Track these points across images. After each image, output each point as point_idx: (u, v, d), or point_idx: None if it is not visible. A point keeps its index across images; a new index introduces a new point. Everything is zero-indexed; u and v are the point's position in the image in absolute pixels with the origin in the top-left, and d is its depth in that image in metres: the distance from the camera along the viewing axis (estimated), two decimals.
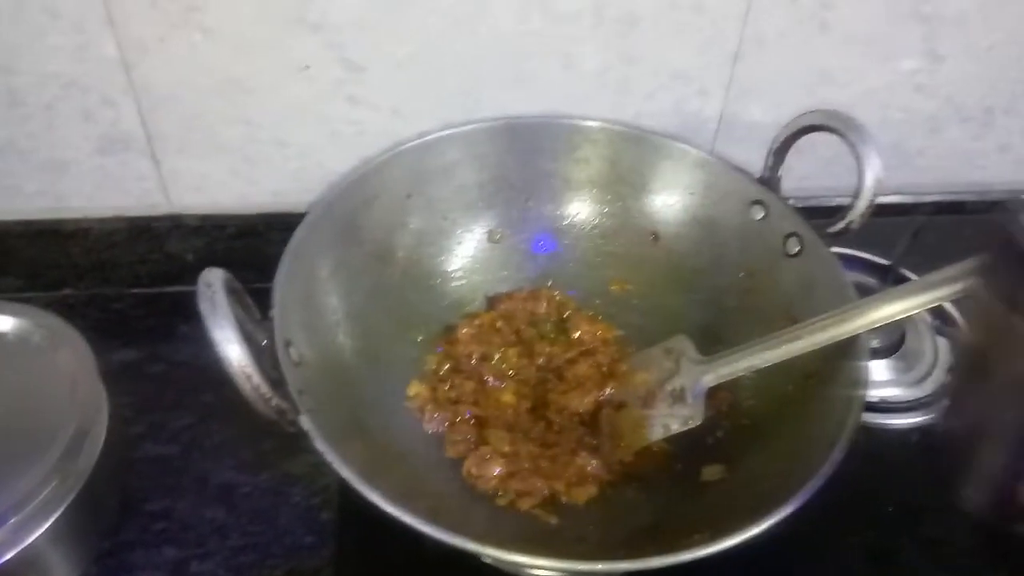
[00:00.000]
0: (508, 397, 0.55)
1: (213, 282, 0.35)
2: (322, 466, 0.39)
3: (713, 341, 0.54)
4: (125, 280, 0.69)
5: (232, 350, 0.34)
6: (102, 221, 0.67)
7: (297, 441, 0.40)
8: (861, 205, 0.48)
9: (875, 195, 0.47)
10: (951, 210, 0.75)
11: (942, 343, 0.62)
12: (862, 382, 0.45)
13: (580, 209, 0.62)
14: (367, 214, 0.54)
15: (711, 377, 0.51)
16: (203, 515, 0.54)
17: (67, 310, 0.60)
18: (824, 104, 0.53)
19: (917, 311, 0.45)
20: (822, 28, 0.62)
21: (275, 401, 0.36)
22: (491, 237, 0.62)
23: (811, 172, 0.70)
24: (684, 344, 0.54)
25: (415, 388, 0.56)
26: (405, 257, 0.58)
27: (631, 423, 0.53)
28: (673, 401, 0.52)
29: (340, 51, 0.59)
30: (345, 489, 0.51)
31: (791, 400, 0.48)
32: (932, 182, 0.75)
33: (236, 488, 0.55)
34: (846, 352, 0.46)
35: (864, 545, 0.52)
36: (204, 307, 0.34)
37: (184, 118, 0.62)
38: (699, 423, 0.50)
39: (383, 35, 0.59)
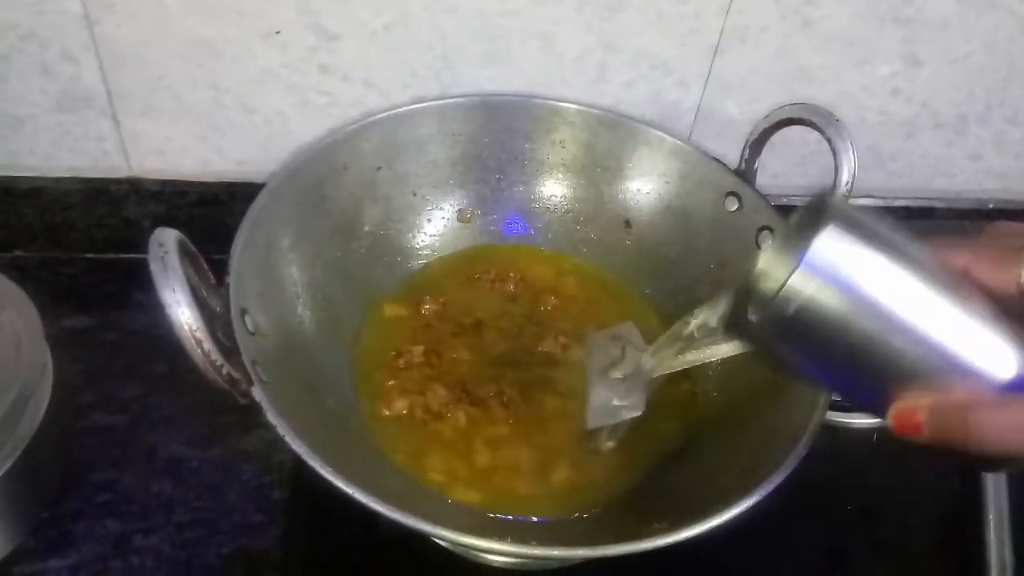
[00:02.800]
0: (463, 353, 0.54)
1: (165, 241, 0.33)
2: (276, 443, 0.38)
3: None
4: (80, 244, 0.67)
5: (182, 313, 0.32)
6: (57, 181, 0.65)
7: (251, 417, 0.39)
8: None
9: (850, 192, 0.47)
10: (921, 215, 0.76)
11: None
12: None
13: (553, 192, 0.61)
14: (334, 185, 0.53)
15: (654, 367, 0.48)
16: (149, 488, 0.52)
17: (17, 272, 0.57)
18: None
19: None
20: (804, 25, 0.62)
21: (226, 370, 0.35)
22: (461, 216, 0.61)
23: (784, 169, 0.70)
24: (631, 331, 0.52)
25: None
26: (371, 231, 0.56)
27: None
28: (616, 389, 0.49)
29: (314, 17, 0.58)
30: (298, 468, 0.51)
31: (756, 394, 0.48)
32: (903, 187, 0.75)
33: (185, 462, 0.54)
34: None
35: (822, 544, 0.52)
36: (155, 267, 0.32)
37: (148, 79, 0.60)
38: (639, 413, 0.48)
39: (358, 4, 0.57)
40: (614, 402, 0.49)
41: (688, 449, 0.50)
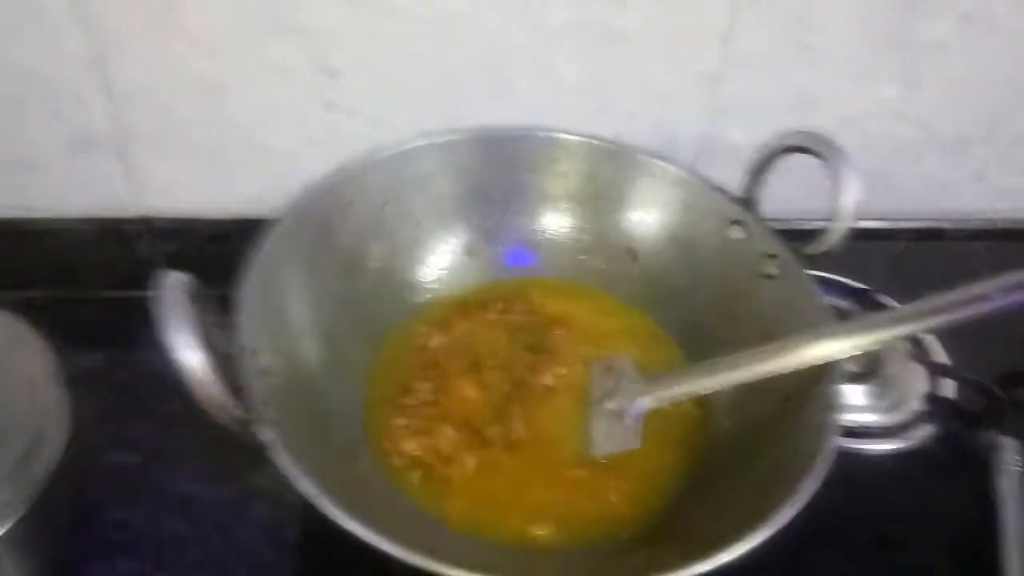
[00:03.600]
0: (471, 391, 0.54)
1: (173, 285, 0.34)
2: (287, 480, 0.38)
3: (697, 357, 0.53)
4: (93, 283, 0.67)
5: (191, 356, 0.33)
6: (70, 222, 0.66)
7: (262, 453, 0.39)
8: (839, 228, 0.48)
9: (853, 219, 0.47)
10: (931, 236, 0.76)
11: (919, 370, 0.62)
12: (835, 406, 0.44)
13: (557, 223, 0.61)
14: (341, 221, 0.53)
15: (649, 400, 0.49)
16: (161, 527, 0.52)
17: (33, 312, 0.58)
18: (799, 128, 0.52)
19: (874, 347, 0.45)
20: (804, 50, 0.63)
21: (236, 411, 0.35)
22: (466, 249, 0.61)
23: (790, 196, 0.70)
24: (625, 363, 0.52)
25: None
26: (377, 267, 0.56)
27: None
28: (611, 421, 0.50)
29: (319, 55, 0.59)
30: (310, 505, 0.51)
31: (768, 423, 0.47)
32: (910, 208, 0.75)
33: (197, 500, 0.54)
34: (822, 375, 0.45)
35: (840, 570, 0.52)
36: (162, 311, 0.33)
37: (156, 118, 0.61)
38: (636, 447, 0.48)
39: (363, 41, 0.58)
40: (611, 435, 0.49)
41: (699, 480, 0.49)
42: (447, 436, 0.50)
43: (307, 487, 0.35)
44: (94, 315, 0.66)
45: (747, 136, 0.66)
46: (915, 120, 0.68)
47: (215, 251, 0.66)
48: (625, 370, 0.52)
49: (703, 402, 0.53)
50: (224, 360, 0.39)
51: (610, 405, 0.50)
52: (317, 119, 0.62)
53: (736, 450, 0.49)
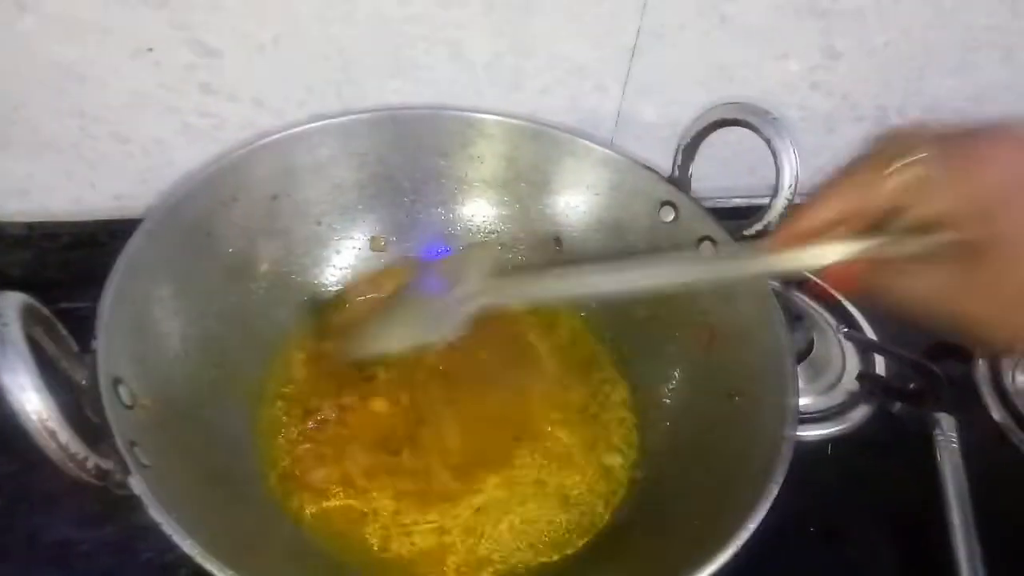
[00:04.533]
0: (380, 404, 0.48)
1: (4, 311, 0.27)
2: None
3: (627, 354, 0.50)
4: None
5: (28, 400, 0.26)
6: None
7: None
8: (779, 205, 0.45)
9: (793, 193, 0.44)
10: None
11: (849, 347, 0.60)
12: (790, 413, 0.41)
13: (475, 212, 0.56)
14: (223, 220, 0.47)
15: (483, 296, 0.43)
16: None
17: None
18: (721, 101, 0.49)
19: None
20: (722, 21, 0.60)
21: (92, 462, 0.28)
22: (374, 244, 0.56)
23: (710, 171, 0.67)
24: (485, 254, 0.48)
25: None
26: (271, 270, 0.50)
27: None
28: (444, 307, 0.44)
29: (190, 31, 0.52)
30: None
31: (715, 425, 0.44)
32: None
33: (73, 546, 0.47)
34: (770, 367, 0.42)
35: (787, 570, 0.49)
36: None
37: (3, 111, 0.53)
38: (449, 338, 0.43)
39: (240, 15, 0.52)
40: (436, 319, 0.44)
41: (642, 492, 0.45)
42: (358, 462, 0.44)
43: (189, 546, 0.29)
44: None
45: (665, 112, 0.63)
46: (832, 90, 0.66)
47: (80, 257, 0.59)
48: (481, 260, 0.46)
49: (636, 405, 0.49)
50: (80, 395, 0.33)
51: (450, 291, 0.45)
52: (192, 103, 0.55)
53: (680, 456, 0.45)
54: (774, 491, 0.35)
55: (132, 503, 0.47)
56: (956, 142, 0.32)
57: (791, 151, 0.44)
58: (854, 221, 0.34)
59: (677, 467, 0.45)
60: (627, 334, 0.52)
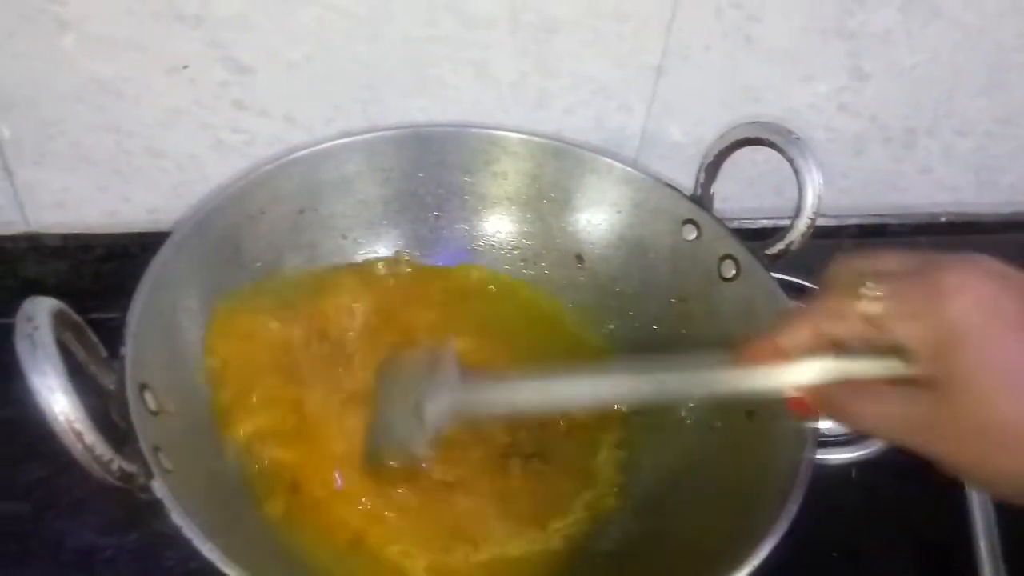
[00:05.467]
0: None
1: (35, 315, 0.28)
2: None
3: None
4: None
5: (56, 401, 0.27)
6: None
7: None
8: (801, 225, 0.44)
9: (816, 213, 0.44)
10: (874, 233, 0.74)
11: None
12: (810, 438, 0.40)
13: (498, 228, 0.57)
14: (250, 233, 0.47)
15: (452, 406, 0.41)
16: None
17: None
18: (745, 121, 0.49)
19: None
20: (747, 42, 0.60)
21: (117, 464, 0.29)
22: (398, 259, 0.56)
23: (734, 192, 0.67)
24: (448, 356, 0.44)
25: None
26: (294, 282, 0.51)
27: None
28: (408, 421, 0.43)
29: (224, 49, 0.53)
30: None
31: (732, 444, 0.43)
32: (854, 204, 0.73)
33: (97, 552, 0.48)
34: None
35: None
36: (22, 347, 0.27)
37: (41, 125, 0.55)
38: (423, 458, 0.42)
39: (272, 33, 0.53)
40: (399, 435, 0.43)
41: (659, 505, 0.45)
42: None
43: (207, 549, 0.30)
44: None
45: (690, 131, 0.63)
46: (860, 112, 0.66)
47: (113, 269, 0.61)
48: (445, 364, 0.44)
49: (653, 423, 0.48)
50: (108, 400, 0.34)
51: (411, 401, 0.43)
52: (225, 120, 0.56)
53: (696, 474, 0.45)
54: (792, 511, 0.35)
55: (156, 510, 0.48)
56: (922, 272, 0.31)
57: (814, 171, 0.43)
58: (825, 347, 0.34)
59: (693, 485, 0.44)
60: (649, 348, 0.52)
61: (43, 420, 0.52)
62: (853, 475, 0.54)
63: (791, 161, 0.44)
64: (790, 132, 0.44)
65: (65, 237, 0.60)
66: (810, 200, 0.44)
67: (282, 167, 0.49)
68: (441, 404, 0.41)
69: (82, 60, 0.52)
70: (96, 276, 0.61)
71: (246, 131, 0.56)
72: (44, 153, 0.56)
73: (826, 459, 0.54)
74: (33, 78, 0.52)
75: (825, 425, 0.54)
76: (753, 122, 0.46)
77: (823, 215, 0.71)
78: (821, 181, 0.44)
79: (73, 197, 0.58)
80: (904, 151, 0.70)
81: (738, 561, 0.33)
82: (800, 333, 0.34)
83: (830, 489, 0.53)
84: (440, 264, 0.56)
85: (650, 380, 0.37)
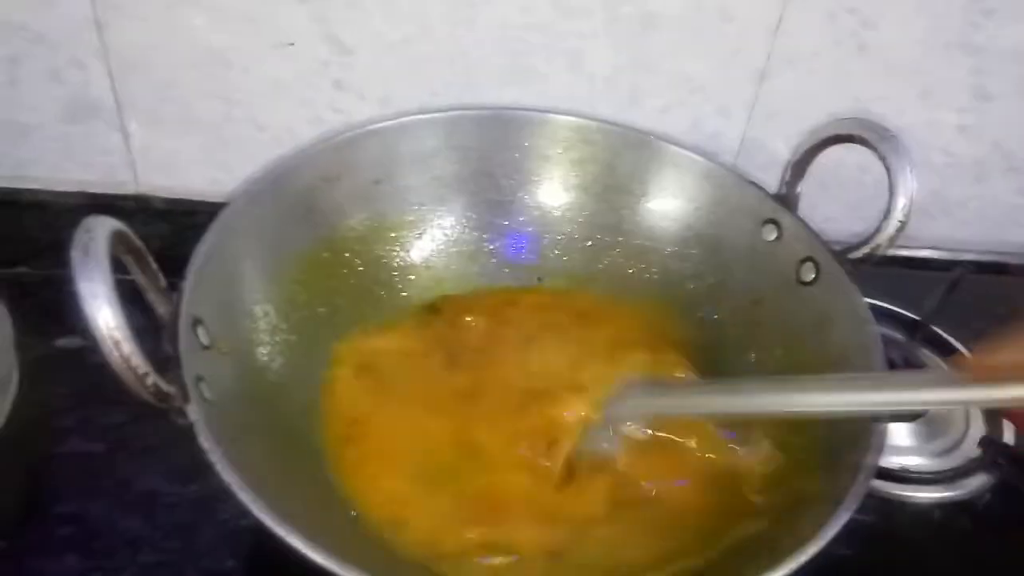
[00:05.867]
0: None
1: (93, 228, 0.29)
2: None
3: (711, 372, 0.47)
4: None
5: (100, 309, 0.28)
6: (63, 195, 0.63)
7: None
8: (890, 228, 0.42)
9: (907, 216, 0.41)
10: (991, 270, 0.68)
11: (974, 410, 0.54)
12: (877, 446, 0.37)
13: (571, 217, 0.56)
14: (324, 196, 0.48)
15: (629, 412, 0.45)
16: (116, 524, 0.48)
17: (18, 288, 0.55)
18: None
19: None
20: (860, 50, 0.57)
21: (152, 380, 0.30)
22: (466, 238, 0.56)
23: (837, 213, 0.64)
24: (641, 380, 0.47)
25: None
26: (363, 249, 0.51)
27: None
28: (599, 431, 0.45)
29: (328, 27, 0.55)
30: None
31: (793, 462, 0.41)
32: (971, 238, 0.68)
33: (159, 497, 0.49)
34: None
35: None
36: (75, 254, 0.28)
37: (157, 87, 0.58)
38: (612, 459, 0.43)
39: (375, 14, 0.54)
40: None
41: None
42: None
43: (228, 474, 0.30)
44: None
45: (793, 141, 0.60)
46: (981, 136, 0.62)
47: None
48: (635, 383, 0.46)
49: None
50: (161, 329, 0.35)
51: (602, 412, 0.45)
52: (325, 98, 0.58)
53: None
54: (844, 518, 0.32)
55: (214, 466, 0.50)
56: None
57: (908, 171, 0.41)
58: None
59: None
60: (718, 352, 0.50)
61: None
62: (935, 516, 0.50)
63: (883, 159, 0.41)
64: (885, 129, 0.41)
65: (170, 201, 0.63)
66: (901, 203, 0.41)
67: (363, 136, 0.50)
68: (623, 405, 0.44)
69: (198, 28, 0.55)
70: (195, 241, 0.62)
71: (343, 110, 0.58)
72: (158, 116, 0.59)
73: (907, 496, 0.50)
74: (152, 42, 0.56)
75: (915, 462, 0.51)
76: (845, 118, 0.44)
77: (936, 247, 0.67)
78: (915, 184, 0.41)
79: (181, 161, 0.62)
80: None
81: (782, 560, 0.30)
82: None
83: (908, 529, 0.49)
84: (509, 249, 0.55)
85: (855, 392, 0.38)
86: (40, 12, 0.54)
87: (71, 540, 0.46)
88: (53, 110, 0.59)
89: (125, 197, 0.63)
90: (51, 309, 0.60)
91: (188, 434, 0.50)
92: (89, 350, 0.55)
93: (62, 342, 0.57)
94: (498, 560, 0.41)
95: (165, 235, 0.64)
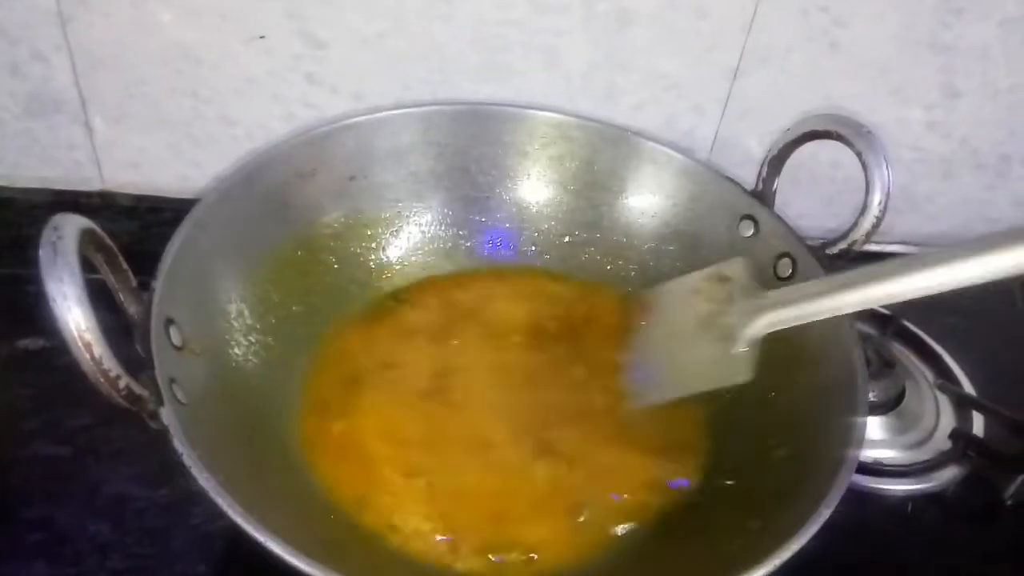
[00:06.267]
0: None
1: (61, 226, 0.28)
2: None
3: None
4: None
5: (70, 309, 0.27)
6: (26, 192, 0.61)
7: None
8: (866, 223, 0.42)
9: (883, 212, 0.41)
10: None
11: (944, 402, 0.55)
12: (855, 441, 0.38)
13: (549, 213, 0.56)
14: (299, 191, 0.48)
15: (766, 321, 0.39)
16: (86, 528, 0.46)
17: None
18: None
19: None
20: (832, 48, 0.57)
21: (124, 383, 0.29)
22: (443, 234, 0.55)
23: (811, 209, 0.64)
24: (740, 269, 0.42)
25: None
26: (339, 246, 0.51)
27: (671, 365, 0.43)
28: (719, 344, 0.40)
29: (301, 22, 0.54)
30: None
31: (776, 463, 0.41)
32: (940, 232, 0.69)
33: (129, 501, 0.48)
34: (841, 406, 0.39)
35: None
36: (43, 254, 0.28)
37: (124, 84, 0.57)
38: (748, 379, 0.39)
39: (349, 8, 0.54)
40: (711, 364, 0.40)
41: (697, 503, 0.42)
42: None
43: (204, 478, 0.29)
44: (41, 295, 0.60)
45: (767, 139, 0.60)
46: (950, 133, 0.62)
47: None
48: (740, 277, 0.42)
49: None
50: (132, 330, 0.34)
51: (719, 323, 0.40)
52: (297, 93, 0.57)
53: (740, 487, 0.42)
54: (825, 514, 0.32)
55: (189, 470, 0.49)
56: None
57: (884, 167, 0.41)
58: None
59: (736, 495, 0.42)
60: None
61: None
62: (909, 509, 0.50)
63: (859, 155, 0.41)
64: (860, 125, 0.42)
65: (137, 198, 0.62)
66: (877, 199, 0.41)
67: (337, 130, 0.49)
68: (755, 321, 0.39)
69: (167, 24, 0.54)
70: (163, 238, 0.61)
71: (316, 105, 0.57)
72: (124, 112, 0.58)
73: (880, 489, 0.50)
74: (120, 38, 0.54)
75: (887, 455, 0.52)
76: (822, 114, 0.44)
77: (905, 242, 0.68)
78: (891, 179, 0.41)
79: (148, 158, 0.60)
80: (997, 179, 0.66)
81: (762, 560, 0.30)
82: None
83: (881, 520, 0.50)
84: (486, 246, 0.55)
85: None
86: (1, 5, 0.52)
87: (40, 546, 0.45)
88: (14, 105, 0.57)
89: (90, 194, 0.62)
90: (12, 309, 0.59)
91: (158, 437, 0.49)
92: (54, 351, 0.55)
93: (25, 343, 0.56)
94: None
95: (132, 232, 0.62)
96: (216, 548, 0.46)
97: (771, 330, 0.39)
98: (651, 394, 0.44)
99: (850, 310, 0.37)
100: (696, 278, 0.44)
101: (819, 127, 0.44)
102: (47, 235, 0.29)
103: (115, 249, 0.33)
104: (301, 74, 0.56)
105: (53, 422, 0.51)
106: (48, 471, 0.49)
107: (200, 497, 0.47)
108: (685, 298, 0.44)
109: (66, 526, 0.46)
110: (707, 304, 0.42)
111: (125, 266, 0.34)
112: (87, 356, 0.28)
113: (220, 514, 0.46)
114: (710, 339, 0.41)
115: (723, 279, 0.42)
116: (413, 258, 0.54)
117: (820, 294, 0.38)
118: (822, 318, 0.38)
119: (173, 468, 0.48)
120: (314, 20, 0.54)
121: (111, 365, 0.29)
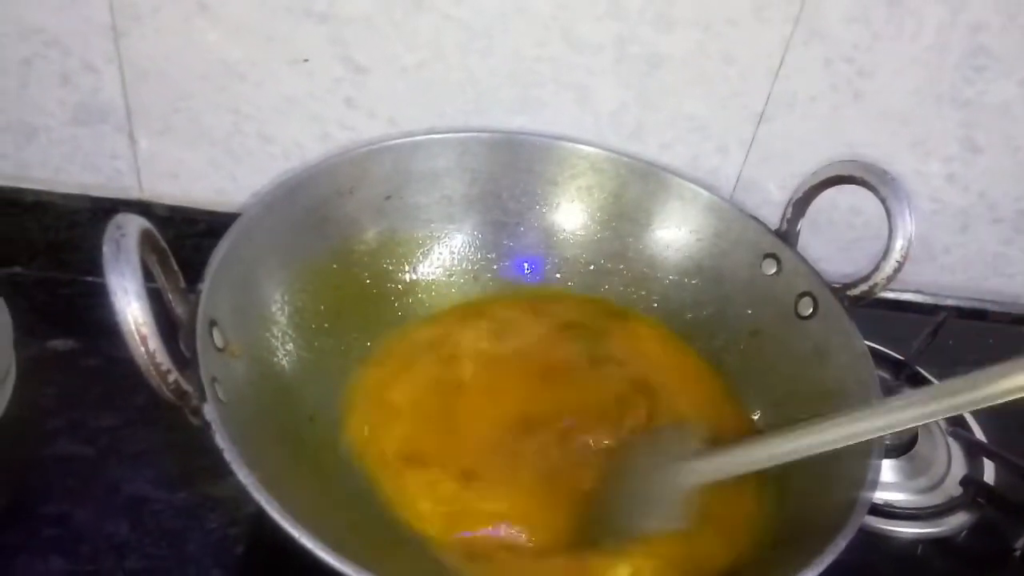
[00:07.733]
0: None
1: (125, 225, 0.30)
2: (249, 492, 0.33)
3: None
4: (81, 266, 0.64)
5: (130, 303, 0.28)
6: (66, 197, 0.63)
7: (226, 462, 0.34)
8: (887, 268, 0.43)
9: (904, 257, 0.42)
10: (972, 316, 0.71)
11: (956, 449, 0.56)
12: (870, 482, 0.38)
13: (575, 240, 0.57)
14: (338, 208, 0.49)
15: (693, 476, 0.43)
16: (103, 528, 0.47)
17: (11, 288, 0.55)
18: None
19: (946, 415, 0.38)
20: (856, 98, 0.59)
21: (173, 377, 0.30)
22: (471, 257, 0.57)
23: (829, 254, 0.65)
24: (683, 429, 0.46)
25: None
26: (372, 262, 0.52)
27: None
28: (656, 496, 0.44)
29: (344, 48, 0.56)
30: (260, 518, 0.46)
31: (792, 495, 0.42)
32: (955, 284, 0.70)
33: (148, 503, 0.49)
34: (856, 447, 0.39)
35: None
36: (107, 249, 0.29)
37: (168, 97, 0.58)
38: (682, 527, 0.42)
39: (392, 37, 0.55)
40: (652, 510, 0.43)
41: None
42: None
43: (244, 474, 0.30)
44: (76, 298, 0.62)
45: (788, 183, 0.62)
46: (968, 186, 0.64)
47: (210, 245, 0.61)
48: (681, 436, 0.46)
49: None
50: (178, 329, 0.35)
51: (657, 475, 0.44)
52: (335, 114, 0.59)
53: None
54: (836, 552, 0.33)
55: (210, 475, 0.49)
56: None
57: (907, 213, 0.42)
58: None
59: None
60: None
61: (122, 373, 0.54)
62: (919, 552, 0.51)
63: (883, 201, 0.42)
64: (884, 172, 0.43)
65: (173, 208, 0.63)
66: (899, 244, 0.42)
67: (377, 151, 0.51)
68: (683, 477, 0.43)
69: (214, 41, 0.55)
70: (196, 249, 0.63)
71: (352, 128, 0.59)
72: (167, 125, 0.59)
73: (889, 531, 0.51)
74: (168, 53, 0.56)
75: (898, 497, 0.52)
76: (847, 160, 0.45)
77: (920, 291, 0.69)
78: (913, 227, 0.42)
79: (187, 170, 0.62)
80: (1014, 234, 0.67)
81: None
82: None
83: (890, 563, 0.50)
84: (513, 269, 0.56)
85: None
86: (58, 16, 0.54)
87: (57, 541, 0.46)
88: (62, 113, 0.59)
89: (128, 203, 0.63)
90: (45, 310, 0.60)
91: (178, 441, 0.51)
92: (82, 352, 0.56)
93: (55, 344, 0.57)
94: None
95: (167, 241, 0.63)
96: (231, 553, 0.46)
97: (694, 484, 0.43)
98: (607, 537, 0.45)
99: (770, 464, 0.41)
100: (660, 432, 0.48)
101: (845, 172, 0.45)
102: (111, 232, 0.30)
103: (168, 251, 0.35)
104: (340, 97, 0.58)
105: (78, 422, 0.52)
106: (70, 470, 0.50)
107: (218, 502, 0.49)
108: (647, 448, 0.47)
109: (84, 524, 0.47)
110: (657, 456, 0.45)
111: (176, 268, 0.36)
112: (142, 349, 0.29)
113: (237, 520, 0.48)
114: (655, 485, 0.44)
115: (674, 435, 0.47)
116: (442, 277, 0.55)
117: (738, 454, 0.42)
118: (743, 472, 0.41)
119: (193, 472, 0.50)
120: (356, 47, 0.56)
121: (163, 359, 0.30)
